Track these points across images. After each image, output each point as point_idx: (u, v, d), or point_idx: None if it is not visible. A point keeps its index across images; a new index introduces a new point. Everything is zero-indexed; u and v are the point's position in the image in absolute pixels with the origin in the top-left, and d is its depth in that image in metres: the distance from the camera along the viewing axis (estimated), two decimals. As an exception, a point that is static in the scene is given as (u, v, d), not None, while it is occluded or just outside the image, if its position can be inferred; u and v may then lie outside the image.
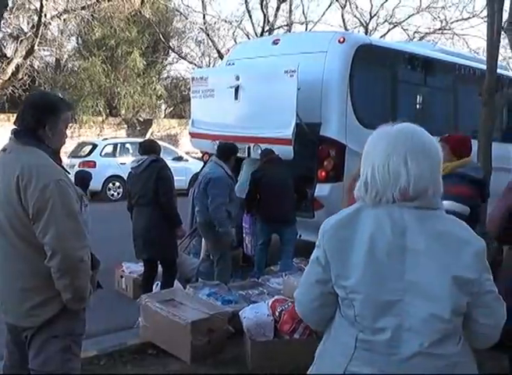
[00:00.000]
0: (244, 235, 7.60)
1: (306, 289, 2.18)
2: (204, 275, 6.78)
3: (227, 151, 6.82)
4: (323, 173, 7.36)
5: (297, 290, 2.24)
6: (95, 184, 11.46)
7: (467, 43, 27.92)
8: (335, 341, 2.13)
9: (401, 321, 1.96)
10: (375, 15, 28.28)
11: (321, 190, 7.34)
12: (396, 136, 2.04)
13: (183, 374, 4.76)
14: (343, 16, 28.54)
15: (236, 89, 7.77)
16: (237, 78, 7.78)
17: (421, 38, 26.95)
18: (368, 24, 28.23)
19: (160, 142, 14.77)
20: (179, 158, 17.21)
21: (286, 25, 28.44)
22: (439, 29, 28.40)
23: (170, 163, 11.95)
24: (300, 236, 7.12)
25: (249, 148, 7.73)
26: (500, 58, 8.08)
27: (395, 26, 28.70)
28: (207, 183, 6.46)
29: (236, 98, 7.82)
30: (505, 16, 7.38)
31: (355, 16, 28.98)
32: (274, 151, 7.17)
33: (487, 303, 2.03)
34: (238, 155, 7.31)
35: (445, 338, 1.97)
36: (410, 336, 1.96)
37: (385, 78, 8.38)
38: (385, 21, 28.77)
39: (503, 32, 7.43)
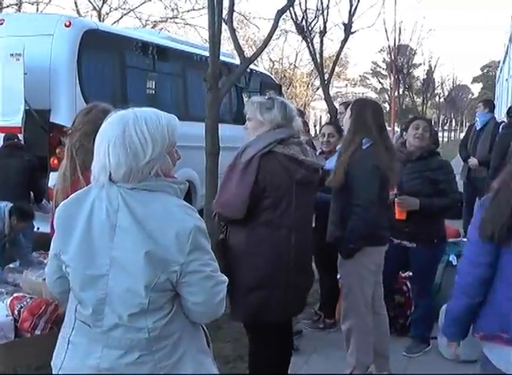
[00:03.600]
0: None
1: (49, 262, 2.30)
2: None
3: None
4: (55, 161, 7.13)
5: None
6: None
7: (199, 32, 28.82)
8: (67, 313, 2.26)
9: (104, 295, 2.09)
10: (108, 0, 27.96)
11: (55, 179, 7.16)
12: (110, 122, 2.14)
13: None
14: (75, -2, 27.74)
15: (-39, 72, 7.17)
16: (-39, 60, 7.19)
17: (154, 26, 27.25)
18: (100, 9, 27.77)
19: None
20: None
21: (16, 4, 26.83)
22: (171, 18, 28.94)
23: None
24: (38, 228, 6.87)
25: (-22, 137, 7.22)
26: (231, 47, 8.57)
27: (128, 12, 28.65)
28: None
29: (-36, 82, 7.21)
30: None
31: (89, 0, 28.36)
32: (16, 136, 6.88)
33: (194, 282, 2.12)
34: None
35: (144, 312, 2.09)
36: (111, 309, 2.10)
37: (114, 64, 8.41)
38: (119, 7, 28.62)
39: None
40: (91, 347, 2.13)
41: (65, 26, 7.37)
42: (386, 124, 4.94)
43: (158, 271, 2.06)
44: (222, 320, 5.27)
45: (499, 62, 60.51)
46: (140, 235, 2.05)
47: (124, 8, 27.88)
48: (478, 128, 9.09)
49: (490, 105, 9.67)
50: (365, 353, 4.25)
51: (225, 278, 2.26)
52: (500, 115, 23.73)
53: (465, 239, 6.65)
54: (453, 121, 70.96)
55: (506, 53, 42.18)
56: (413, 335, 5.12)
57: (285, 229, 3.46)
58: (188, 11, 27.31)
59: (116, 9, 27.96)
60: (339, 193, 4.10)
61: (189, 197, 9.04)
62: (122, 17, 27.97)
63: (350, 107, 4.30)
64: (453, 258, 5.86)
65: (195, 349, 2.25)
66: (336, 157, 4.20)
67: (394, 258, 4.60)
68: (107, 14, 27.30)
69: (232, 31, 8.12)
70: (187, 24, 27.74)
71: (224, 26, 7.71)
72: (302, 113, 5.86)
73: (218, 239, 3.62)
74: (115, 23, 26.18)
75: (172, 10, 26.80)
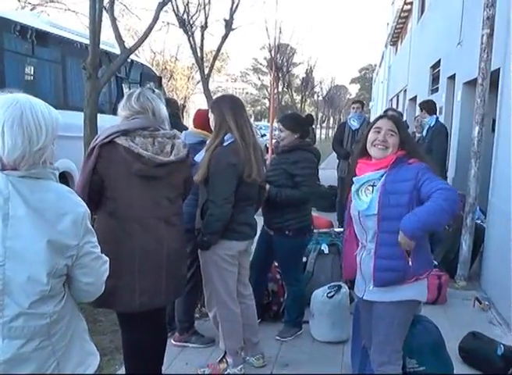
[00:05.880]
0: None
1: None
2: None
3: None
4: None
5: None
6: None
7: (80, 19, 28.05)
8: None
9: (3, 286, 2.06)
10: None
11: None
12: (1, 102, 2.08)
13: None
14: None
15: None
16: None
17: (33, 9, 26.24)
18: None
19: None
20: None
21: None
22: (52, 1, 27.98)
23: None
24: None
25: None
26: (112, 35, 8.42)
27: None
28: None
29: None
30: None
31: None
32: None
33: (86, 264, 2.23)
34: None
35: (45, 298, 2.11)
36: (12, 299, 2.07)
37: (-11, 46, 7.95)
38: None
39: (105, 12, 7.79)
40: None
41: None
42: (266, 120, 5.14)
43: (58, 257, 2.10)
44: (100, 313, 5.31)
45: (375, 65, 63.39)
46: (39, 224, 2.06)
47: (-1, -11, 26.56)
48: (353, 128, 9.55)
49: (363, 106, 10.24)
50: (233, 339, 4.42)
51: (107, 258, 2.38)
52: (376, 114, 24.82)
53: (337, 229, 7.04)
54: (331, 119, 73.25)
55: (382, 57, 44.26)
56: (286, 320, 5.34)
57: (127, 220, 3.46)
58: (68, -6, 26.43)
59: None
60: (204, 187, 4.20)
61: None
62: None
63: (210, 105, 4.39)
64: (324, 247, 6.14)
65: (81, 328, 2.37)
66: (204, 151, 4.26)
67: (261, 242, 4.73)
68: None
69: (113, 20, 8.05)
70: (68, 9, 26.84)
71: (105, 14, 7.64)
72: (171, 103, 5.82)
73: None
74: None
75: (54, -7, 25.83)
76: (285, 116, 5.33)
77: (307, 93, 44.20)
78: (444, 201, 3.17)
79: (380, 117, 3.64)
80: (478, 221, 7.56)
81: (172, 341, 4.96)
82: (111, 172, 3.42)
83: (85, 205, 2.24)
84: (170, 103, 5.96)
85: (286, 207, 4.87)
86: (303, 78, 44.10)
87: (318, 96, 56.62)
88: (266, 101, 56.39)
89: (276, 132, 4.91)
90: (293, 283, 5.23)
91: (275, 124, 4.99)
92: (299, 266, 5.37)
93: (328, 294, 5.19)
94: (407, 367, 4.11)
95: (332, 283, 5.35)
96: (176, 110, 6.42)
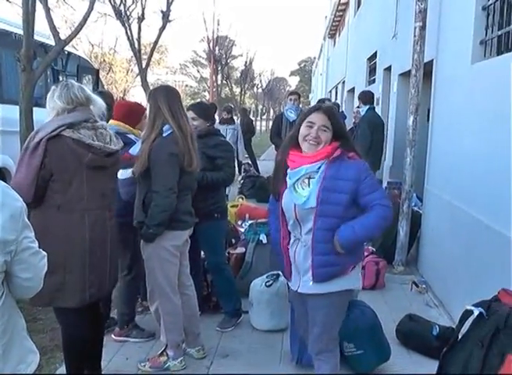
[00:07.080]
0: None
1: None
2: None
3: None
4: None
5: None
6: None
7: (15, 9, 27.31)
8: None
9: None
10: None
11: None
12: None
13: None
14: None
15: None
16: None
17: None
18: None
19: None
20: None
21: None
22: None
23: None
24: None
25: None
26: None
27: None
28: None
29: None
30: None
31: None
32: None
33: (25, 259, 2.16)
34: None
35: None
36: None
37: None
38: None
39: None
40: None
41: None
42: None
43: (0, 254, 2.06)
44: (39, 312, 5.23)
45: (314, 57, 64.10)
46: None
47: None
48: (291, 120, 9.63)
49: (300, 97, 10.35)
50: (175, 332, 4.43)
51: (45, 253, 2.32)
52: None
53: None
54: (271, 111, 73.58)
55: (321, 50, 44.80)
56: (225, 311, 5.38)
57: (77, 213, 3.47)
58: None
59: None
60: (143, 179, 4.17)
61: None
62: None
63: (147, 96, 4.38)
64: (263, 237, 6.19)
65: (20, 326, 2.31)
66: (140, 143, 4.25)
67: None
68: None
69: (47, 10, 7.83)
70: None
71: (40, 5, 7.47)
72: (107, 96, 5.75)
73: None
74: None
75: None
76: (196, 105, 5.33)
77: (246, 85, 44.36)
78: (382, 219, 3.31)
79: (314, 110, 3.51)
80: (415, 208, 7.78)
81: (113, 335, 4.94)
82: (60, 165, 3.42)
83: (21, 199, 2.18)
84: (105, 96, 5.90)
85: (207, 192, 4.90)
86: (242, 70, 44.21)
87: (258, 88, 56.91)
88: (206, 93, 56.19)
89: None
90: (222, 268, 5.29)
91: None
92: (221, 252, 5.42)
93: (267, 283, 5.25)
94: (345, 351, 4.22)
95: (271, 273, 5.39)
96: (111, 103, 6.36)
